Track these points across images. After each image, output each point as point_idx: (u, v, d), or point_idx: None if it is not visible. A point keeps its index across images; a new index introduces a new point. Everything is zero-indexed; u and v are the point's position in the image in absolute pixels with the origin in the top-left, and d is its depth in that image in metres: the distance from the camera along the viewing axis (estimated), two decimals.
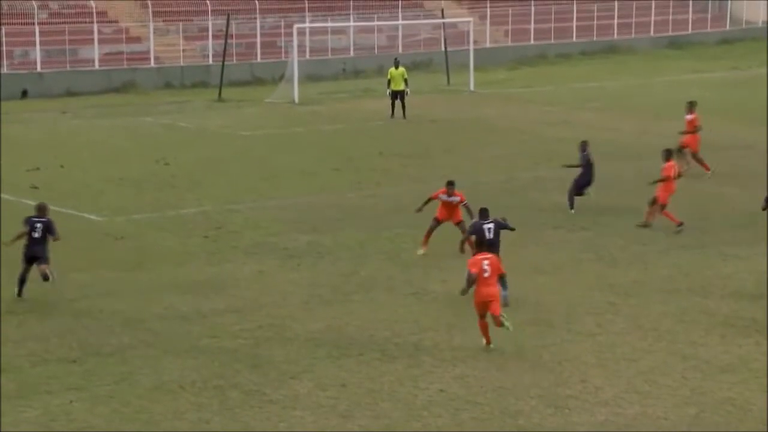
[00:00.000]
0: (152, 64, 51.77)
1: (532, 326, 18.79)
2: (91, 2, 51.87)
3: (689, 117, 30.94)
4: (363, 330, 18.65)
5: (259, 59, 53.77)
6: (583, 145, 26.91)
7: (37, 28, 49.51)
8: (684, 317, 19.27)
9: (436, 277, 21.51)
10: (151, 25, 52.21)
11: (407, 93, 41.27)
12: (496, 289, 17.63)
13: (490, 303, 17.45)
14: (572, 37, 63.21)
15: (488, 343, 17.75)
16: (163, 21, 53.23)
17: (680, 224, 24.76)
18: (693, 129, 30.70)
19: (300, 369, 16.91)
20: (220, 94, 47.31)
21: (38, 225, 20.48)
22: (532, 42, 61.66)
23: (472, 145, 35.84)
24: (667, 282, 21.35)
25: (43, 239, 20.43)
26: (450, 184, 23.04)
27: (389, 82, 41.71)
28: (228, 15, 49.90)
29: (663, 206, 24.99)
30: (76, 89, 48.59)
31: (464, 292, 17.75)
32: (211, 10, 53.18)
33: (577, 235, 24.79)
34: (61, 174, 31.50)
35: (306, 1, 55.65)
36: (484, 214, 20.03)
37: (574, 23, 63.33)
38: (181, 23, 53.13)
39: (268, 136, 38.07)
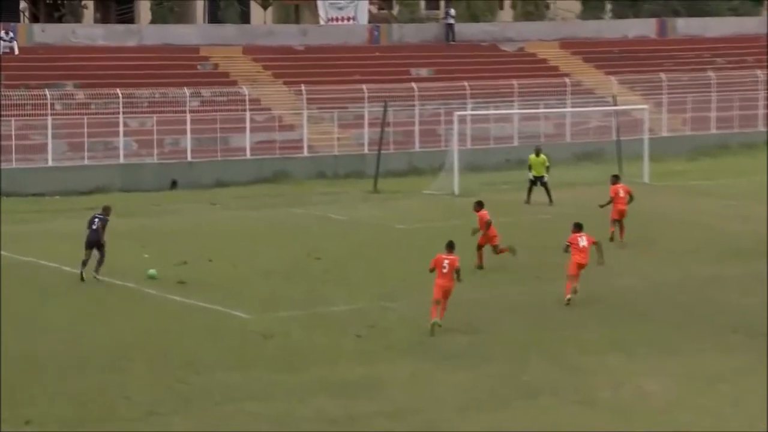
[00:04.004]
0: (305, 152, 52.68)
1: None
2: (244, 89, 53.28)
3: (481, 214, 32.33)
4: None
5: (417, 148, 54.35)
6: None
7: (188, 116, 50.85)
8: None
9: (606, 383, 21.25)
10: (305, 113, 53.28)
11: (546, 179, 43.48)
12: (452, 282, 24.78)
13: (449, 291, 24.84)
14: (758, 125, 62.22)
15: (435, 317, 24.70)
16: (318, 108, 54.25)
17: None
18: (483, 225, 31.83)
19: None
20: (375, 184, 47.87)
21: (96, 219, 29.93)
22: (713, 131, 60.95)
23: (646, 240, 35.42)
24: None
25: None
26: None
27: (529, 167, 44.06)
28: (385, 102, 50.62)
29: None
30: (227, 179, 49.64)
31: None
32: (368, 97, 53.99)
33: (758, 340, 24.23)
34: (209, 268, 32.19)
35: (468, 87, 56.19)
36: None
37: (761, 110, 62.37)
38: (336, 111, 54.01)
39: (425, 230, 38.29)
